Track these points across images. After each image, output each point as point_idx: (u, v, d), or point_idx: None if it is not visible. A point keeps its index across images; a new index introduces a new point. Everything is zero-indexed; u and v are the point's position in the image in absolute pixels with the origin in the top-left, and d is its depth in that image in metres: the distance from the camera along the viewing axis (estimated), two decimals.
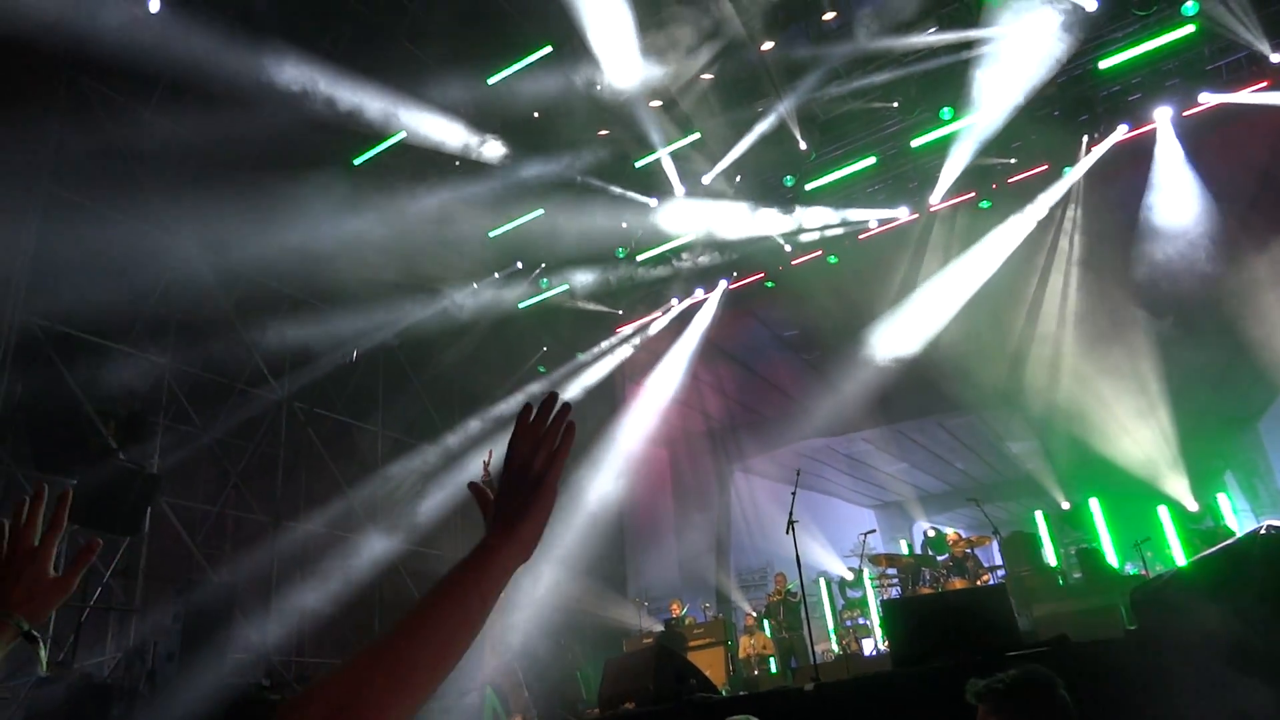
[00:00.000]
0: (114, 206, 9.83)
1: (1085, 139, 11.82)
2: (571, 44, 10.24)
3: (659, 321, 15.59)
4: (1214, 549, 5.07)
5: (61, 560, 1.48)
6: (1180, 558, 12.41)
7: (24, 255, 8.93)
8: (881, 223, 13.25)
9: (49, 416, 8.94)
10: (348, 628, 11.63)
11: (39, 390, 8.96)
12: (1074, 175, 12.07)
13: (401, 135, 10.89)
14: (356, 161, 11.14)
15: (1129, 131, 11.60)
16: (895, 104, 11.50)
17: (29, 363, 8.86)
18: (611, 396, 15.96)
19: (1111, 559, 13.28)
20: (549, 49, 10.34)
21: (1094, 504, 14.97)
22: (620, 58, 10.06)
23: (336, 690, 0.99)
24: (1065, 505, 15.27)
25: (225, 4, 9.26)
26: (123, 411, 9.80)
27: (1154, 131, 11.57)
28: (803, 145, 11.82)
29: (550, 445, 1.26)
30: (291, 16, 9.73)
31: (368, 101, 10.37)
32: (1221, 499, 13.95)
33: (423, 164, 11.57)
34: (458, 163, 11.64)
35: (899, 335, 13.32)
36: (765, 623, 12.34)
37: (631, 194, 12.70)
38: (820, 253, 13.86)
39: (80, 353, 9.43)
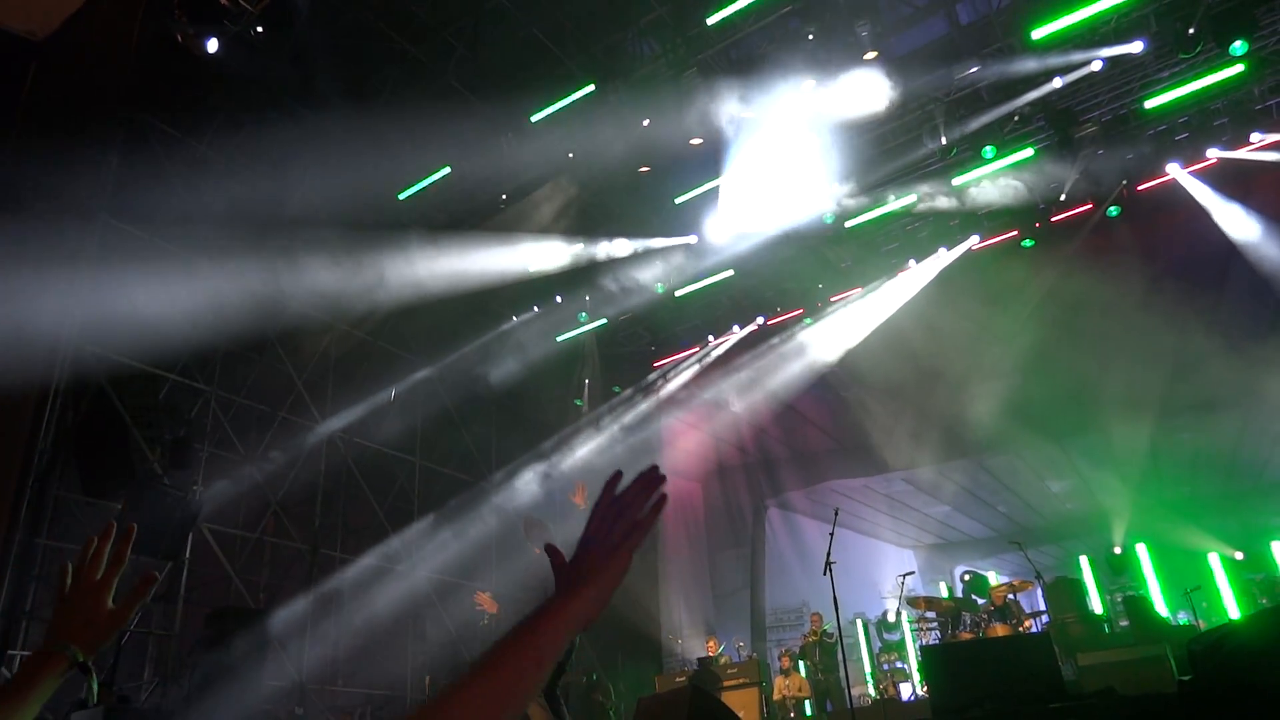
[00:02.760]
0: (168, 238, 10.10)
1: (1126, 180, 11.66)
2: (614, 82, 10.37)
3: (695, 356, 15.57)
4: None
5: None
6: (1233, 607, 12.02)
7: (80, 286, 9.18)
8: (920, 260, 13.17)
9: (98, 442, 9.14)
10: (382, 657, 11.63)
11: (89, 416, 9.18)
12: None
13: (446, 171, 11.09)
14: (401, 196, 11.33)
15: (1182, 169, 11.43)
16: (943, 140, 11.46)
17: (81, 390, 9.09)
18: (647, 430, 15.92)
19: (1160, 607, 12.90)
20: (592, 87, 10.49)
21: (1141, 549, 14.58)
22: (665, 98, 10.16)
23: None
24: (1117, 549, 14.86)
25: (278, 46, 9.55)
26: (168, 437, 9.97)
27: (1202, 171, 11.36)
28: (840, 184, 11.83)
29: (635, 514, 1.24)
30: (342, 60, 10.00)
31: (413, 139, 10.59)
32: (1276, 546, 13.49)
33: (465, 200, 11.76)
34: (504, 197, 11.86)
35: (937, 373, 13.13)
36: (801, 664, 12.13)
37: (669, 237, 12.80)
38: (860, 289, 13.78)
39: (130, 380, 9.64)
